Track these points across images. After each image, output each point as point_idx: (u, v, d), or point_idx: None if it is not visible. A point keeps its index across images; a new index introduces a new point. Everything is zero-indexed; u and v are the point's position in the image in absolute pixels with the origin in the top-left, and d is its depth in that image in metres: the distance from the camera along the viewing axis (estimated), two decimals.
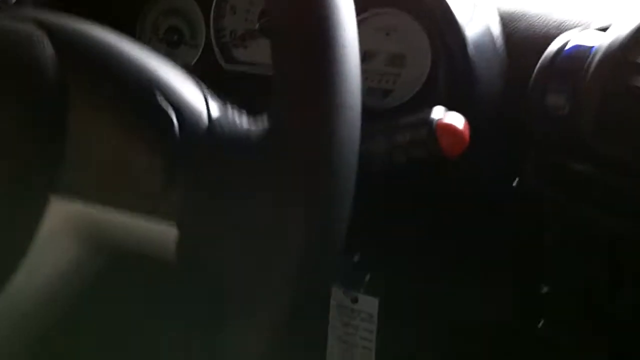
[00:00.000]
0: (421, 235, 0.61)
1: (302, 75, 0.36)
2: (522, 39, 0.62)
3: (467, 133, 0.49)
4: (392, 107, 0.63)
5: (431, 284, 0.64)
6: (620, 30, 0.53)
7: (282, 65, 0.37)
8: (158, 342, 0.57)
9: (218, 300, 0.37)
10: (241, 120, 0.40)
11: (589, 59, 0.54)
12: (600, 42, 0.54)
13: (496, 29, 0.62)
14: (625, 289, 0.53)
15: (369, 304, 0.66)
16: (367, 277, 0.66)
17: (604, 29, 0.55)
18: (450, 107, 0.53)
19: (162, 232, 0.38)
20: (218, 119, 0.39)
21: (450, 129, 0.48)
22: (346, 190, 0.37)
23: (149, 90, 0.38)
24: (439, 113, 0.49)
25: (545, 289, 0.57)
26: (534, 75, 0.56)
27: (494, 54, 0.62)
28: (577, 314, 0.56)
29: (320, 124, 0.36)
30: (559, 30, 0.60)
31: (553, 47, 0.57)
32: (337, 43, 0.37)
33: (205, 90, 0.41)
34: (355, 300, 0.67)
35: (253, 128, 0.38)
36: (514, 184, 0.58)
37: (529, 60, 0.57)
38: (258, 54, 0.70)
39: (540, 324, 0.59)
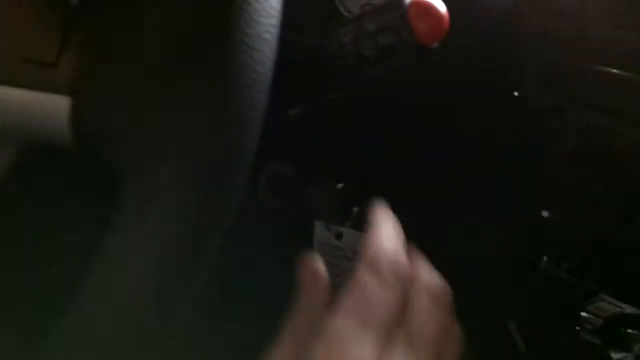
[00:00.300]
0: (411, 157, 0.53)
1: None
2: None
3: (446, 15, 0.41)
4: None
5: (425, 215, 0.57)
6: None
7: None
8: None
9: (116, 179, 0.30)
10: None
11: None
12: None
13: None
14: (634, 212, 0.45)
15: (355, 240, 0.58)
16: (355, 210, 0.59)
17: None
18: None
19: (54, 105, 0.31)
20: None
21: (425, 9, 0.41)
22: (266, 15, 0.31)
23: None
24: None
25: (546, 214, 0.49)
26: None
27: None
28: (580, 244, 0.48)
29: None
30: None
31: None
32: None
33: None
34: (339, 236, 0.59)
35: None
36: (515, 94, 0.50)
37: None
38: None
39: (544, 260, 0.51)
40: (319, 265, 0.45)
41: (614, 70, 0.43)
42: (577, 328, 0.50)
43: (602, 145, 0.45)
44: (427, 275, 0.42)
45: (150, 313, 0.30)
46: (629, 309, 0.47)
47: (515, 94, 0.50)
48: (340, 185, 0.56)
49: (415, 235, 0.57)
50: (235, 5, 0.29)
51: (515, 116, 0.50)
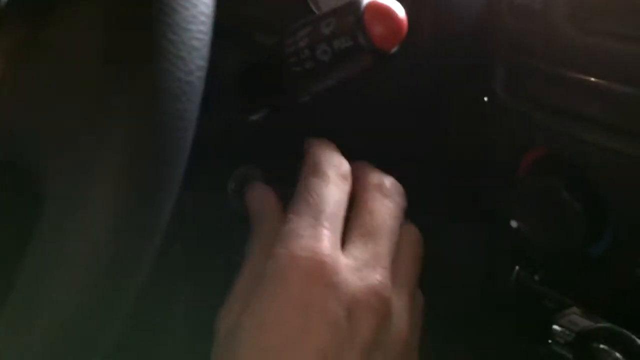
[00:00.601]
0: (376, 159, 0.51)
1: None
2: None
3: (404, 19, 0.39)
4: None
5: None
6: None
7: None
8: None
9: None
10: None
11: None
12: None
13: None
14: (609, 223, 0.43)
15: None
16: None
17: None
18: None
19: None
20: None
21: (381, 13, 0.39)
22: (194, 21, 0.29)
23: None
24: None
25: (515, 224, 0.47)
26: None
27: None
28: (551, 252, 0.46)
29: None
30: None
31: None
32: None
33: None
34: None
35: None
36: (485, 99, 0.48)
37: None
38: None
39: (516, 270, 0.50)
40: (267, 189, 0.46)
41: (583, 77, 0.41)
42: (549, 341, 0.49)
43: (571, 152, 0.44)
44: (374, 173, 0.44)
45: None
46: (600, 323, 0.46)
47: (485, 99, 0.48)
48: None
49: None
50: (157, 10, 0.28)
51: (483, 121, 0.48)
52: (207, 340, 0.40)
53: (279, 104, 0.47)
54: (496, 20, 0.46)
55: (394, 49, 0.40)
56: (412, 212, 0.47)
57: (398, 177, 0.46)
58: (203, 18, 0.30)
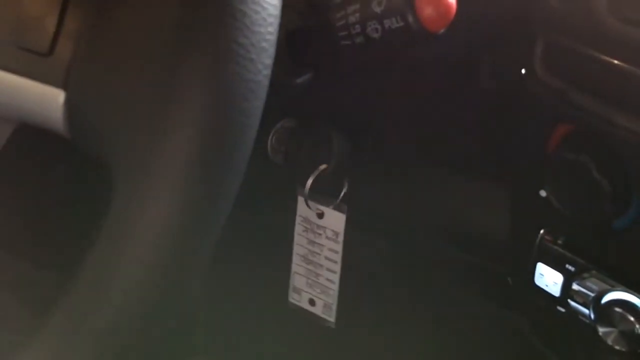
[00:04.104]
0: (407, 134, 0.54)
1: None
2: None
3: (453, 3, 0.41)
4: None
5: (421, 192, 0.58)
6: None
7: None
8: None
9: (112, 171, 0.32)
10: None
11: None
12: None
13: None
14: (635, 198, 0.46)
15: (336, 221, 0.59)
16: (344, 191, 0.59)
17: None
18: None
19: (49, 96, 0.32)
20: None
21: None
22: (263, 24, 0.31)
23: None
24: None
25: (544, 194, 0.50)
26: None
27: None
28: (577, 223, 0.49)
29: None
30: None
31: None
32: None
33: None
34: (321, 216, 0.61)
35: None
36: (522, 72, 0.50)
37: None
38: None
39: (541, 233, 0.53)
40: None
41: (618, 63, 0.43)
42: (568, 300, 0.52)
43: (601, 132, 0.46)
44: None
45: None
46: (618, 287, 0.49)
47: (523, 71, 0.50)
48: (323, 166, 0.56)
49: (420, 200, 0.59)
50: (228, 14, 0.30)
51: (520, 93, 0.50)
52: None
53: (325, 70, 0.49)
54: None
55: (442, 30, 0.42)
56: (444, 172, 0.49)
57: (435, 139, 0.48)
58: (271, 20, 0.32)
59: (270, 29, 0.32)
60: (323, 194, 0.58)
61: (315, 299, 0.63)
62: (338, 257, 0.60)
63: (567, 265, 0.51)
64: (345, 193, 0.58)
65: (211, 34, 0.30)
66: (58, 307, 0.32)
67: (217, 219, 0.32)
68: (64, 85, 0.32)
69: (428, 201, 0.57)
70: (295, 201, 0.61)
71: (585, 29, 0.44)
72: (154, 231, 0.30)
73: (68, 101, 0.32)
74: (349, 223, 0.58)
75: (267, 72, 0.32)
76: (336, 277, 0.60)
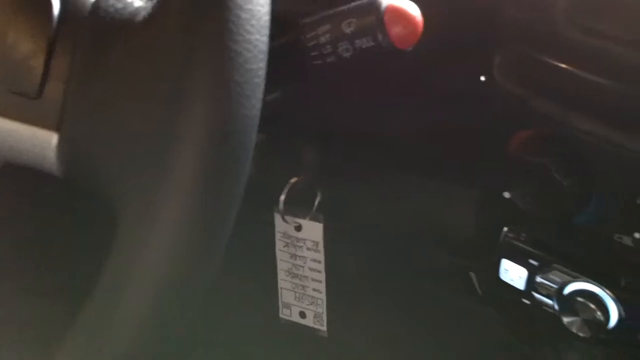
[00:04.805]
0: (376, 142, 0.56)
1: None
2: None
3: (420, 21, 0.43)
4: None
5: (391, 196, 0.60)
6: None
7: None
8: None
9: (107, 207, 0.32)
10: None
11: None
12: None
13: None
14: (593, 196, 0.49)
15: (314, 231, 0.61)
16: (318, 200, 0.61)
17: None
18: None
19: (41, 139, 0.33)
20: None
21: (400, 14, 0.43)
22: (253, 66, 0.32)
23: None
24: None
25: (507, 195, 0.52)
26: None
27: None
28: (539, 220, 0.52)
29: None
30: None
31: None
32: None
33: None
34: (299, 228, 0.62)
35: (143, 5, 0.32)
36: (482, 79, 0.53)
37: None
38: None
39: (504, 231, 0.56)
40: None
41: (577, 70, 0.46)
42: (533, 293, 0.55)
43: (561, 134, 0.49)
44: None
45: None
46: (579, 279, 0.52)
47: (482, 78, 0.53)
48: (294, 180, 0.58)
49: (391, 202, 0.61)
50: (224, 55, 0.31)
51: (481, 100, 0.53)
52: None
53: (295, 88, 0.50)
54: (500, 8, 0.49)
55: (410, 47, 0.44)
56: (414, 175, 0.51)
57: (400, 144, 0.50)
58: (262, 56, 0.33)
59: (262, 64, 0.33)
60: (298, 206, 0.60)
61: (305, 311, 0.64)
62: (321, 267, 0.61)
63: (530, 260, 0.54)
64: (319, 202, 0.59)
65: (209, 73, 0.30)
66: (64, 342, 0.32)
67: (218, 250, 0.33)
68: (56, 128, 0.32)
69: (399, 204, 0.59)
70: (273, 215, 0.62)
71: (545, 38, 0.47)
72: (160, 264, 0.31)
73: (61, 143, 0.32)
74: (327, 230, 0.60)
75: (260, 105, 0.33)
76: (322, 287, 0.62)
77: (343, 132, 0.56)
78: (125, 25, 0.32)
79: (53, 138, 0.32)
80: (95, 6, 0.33)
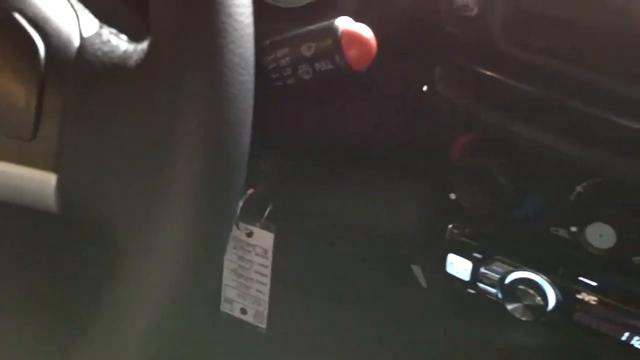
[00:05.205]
0: (326, 156, 0.59)
1: None
2: None
3: (374, 43, 0.46)
4: (301, 4, 0.59)
5: (341, 204, 0.63)
6: None
7: None
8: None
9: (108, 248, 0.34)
10: (118, 41, 0.35)
11: None
12: None
13: None
14: (530, 193, 0.54)
15: (265, 239, 0.64)
16: (268, 209, 0.63)
17: None
18: (361, 3, 0.50)
19: (40, 180, 0.33)
20: (91, 42, 0.34)
21: (356, 38, 0.45)
22: (245, 114, 0.34)
23: (6, 10, 0.33)
24: (344, 22, 0.46)
25: (453, 196, 0.57)
26: None
27: None
28: (483, 217, 0.57)
29: (210, 34, 0.32)
30: None
31: None
32: None
33: (76, 6, 0.36)
34: (250, 235, 0.64)
35: (131, 49, 0.34)
36: (424, 89, 0.56)
37: None
38: None
39: (450, 227, 0.60)
40: None
41: (513, 81, 0.50)
42: (477, 283, 0.60)
43: (499, 138, 0.53)
44: None
45: None
46: (519, 268, 0.57)
47: (424, 88, 0.57)
48: (250, 191, 0.60)
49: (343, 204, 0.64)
50: (219, 100, 0.32)
51: (425, 109, 0.57)
52: None
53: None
54: (437, 24, 0.53)
55: (365, 68, 0.47)
56: (365, 178, 0.55)
57: (350, 152, 0.54)
58: (251, 94, 0.35)
59: (251, 101, 0.35)
60: (251, 213, 0.62)
61: (246, 308, 0.67)
62: (268, 271, 0.64)
63: (474, 254, 0.59)
64: (270, 211, 0.62)
65: (204, 116, 0.32)
66: None
67: (216, 271, 0.35)
68: (54, 168, 0.33)
69: (350, 205, 0.62)
70: None
71: (481, 52, 0.51)
72: (164, 294, 0.33)
73: (60, 183, 0.33)
74: (278, 236, 0.62)
75: (249, 139, 0.35)
76: (266, 289, 0.64)
77: (296, 138, 0.59)
78: (117, 69, 0.33)
79: (52, 179, 0.33)
80: (81, 50, 0.34)
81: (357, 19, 0.53)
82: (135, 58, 0.33)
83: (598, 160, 0.49)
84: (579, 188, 0.51)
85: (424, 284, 0.69)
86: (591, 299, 0.54)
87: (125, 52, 0.34)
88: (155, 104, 0.32)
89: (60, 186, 0.33)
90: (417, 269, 0.70)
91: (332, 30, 0.45)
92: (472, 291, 0.61)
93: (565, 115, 0.50)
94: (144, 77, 0.33)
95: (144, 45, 0.33)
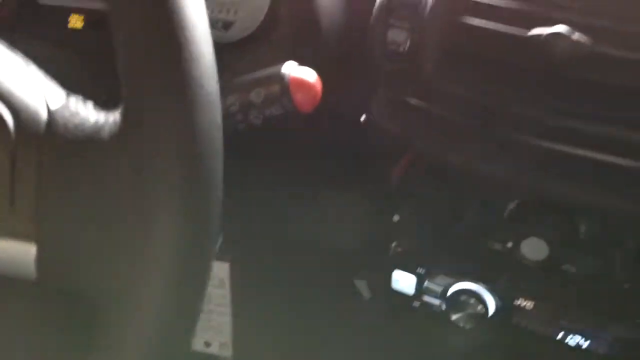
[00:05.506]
0: (271, 186, 0.61)
1: (157, 60, 0.34)
2: None
3: (319, 86, 0.48)
4: (236, 40, 0.61)
5: (285, 231, 0.66)
6: None
7: (130, 49, 0.34)
8: None
9: (88, 316, 0.35)
10: (87, 112, 0.36)
11: None
12: None
13: None
14: (467, 211, 0.58)
15: (220, 270, 0.65)
16: (220, 241, 0.65)
17: None
18: (296, 40, 0.52)
19: (19, 251, 0.34)
20: (60, 114, 0.35)
21: (303, 83, 0.48)
22: (216, 174, 0.36)
23: None
24: (290, 68, 0.48)
25: (396, 218, 0.60)
26: (374, 11, 0.57)
27: None
28: (426, 237, 0.61)
29: (185, 110, 0.34)
30: None
31: None
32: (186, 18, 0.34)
33: (41, 77, 0.37)
34: None
35: (102, 119, 0.35)
36: (361, 119, 0.60)
37: None
38: None
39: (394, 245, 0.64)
40: None
41: (444, 112, 0.54)
42: (422, 296, 0.64)
43: (435, 164, 0.57)
44: None
45: None
46: (460, 280, 0.61)
47: (362, 118, 0.60)
48: None
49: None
50: (191, 169, 0.34)
51: (367, 139, 0.60)
52: None
53: None
54: (373, 59, 0.56)
55: (312, 109, 0.50)
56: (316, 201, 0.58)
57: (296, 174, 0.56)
58: (221, 155, 0.36)
59: (222, 163, 0.36)
60: None
61: (210, 340, 0.68)
62: (227, 301, 0.65)
63: (418, 269, 0.63)
64: (221, 243, 0.64)
65: (176, 187, 0.34)
66: None
67: (194, 325, 0.37)
68: (34, 239, 0.34)
69: (303, 226, 0.65)
70: None
71: (414, 86, 0.55)
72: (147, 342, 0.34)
73: (40, 252, 0.34)
74: (234, 266, 0.64)
75: (222, 195, 0.37)
76: (228, 319, 0.66)
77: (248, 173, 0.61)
78: (89, 141, 0.34)
79: (32, 249, 0.34)
80: (50, 123, 0.35)
81: (293, 54, 0.55)
82: (107, 129, 0.34)
83: (523, 182, 0.53)
84: (511, 205, 0.56)
85: (367, 295, 0.73)
86: (527, 304, 0.59)
87: (96, 123, 0.35)
88: (131, 175, 0.34)
89: (40, 255, 0.34)
90: (361, 284, 0.73)
91: (279, 77, 0.48)
92: (417, 304, 0.65)
93: (493, 141, 0.54)
94: (118, 148, 0.34)
95: (115, 116, 0.35)
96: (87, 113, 0.36)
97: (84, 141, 0.35)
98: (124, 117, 0.34)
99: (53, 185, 0.34)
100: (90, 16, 0.65)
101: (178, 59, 0.33)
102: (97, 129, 0.35)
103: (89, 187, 0.34)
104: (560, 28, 0.48)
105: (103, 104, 0.37)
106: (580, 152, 0.49)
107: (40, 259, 0.34)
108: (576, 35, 0.48)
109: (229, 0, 0.61)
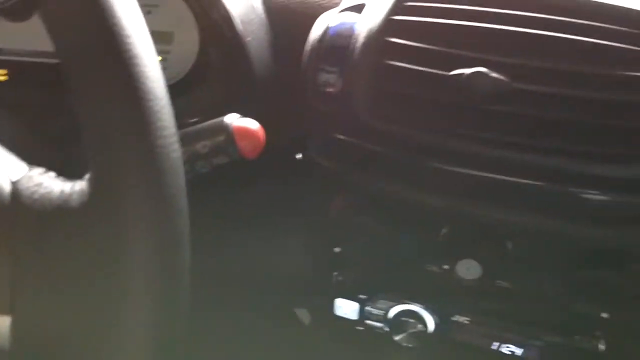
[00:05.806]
0: (217, 218, 0.63)
1: (122, 128, 0.35)
2: (290, 16, 0.64)
3: (262, 133, 0.51)
4: (167, 85, 0.62)
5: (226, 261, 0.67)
6: (375, 11, 0.58)
7: (96, 123, 0.35)
8: None
9: None
10: (50, 181, 0.37)
11: (353, 39, 0.58)
12: (360, 22, 0.58)
13: (259, 6, 0.63)
14: (403, 238, 0.62)
15: None
16: None
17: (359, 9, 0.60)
18: (228, 82, 0.54)
19: None
20: (23, 185, 0.36)
21: (246, 131, 0.50)
22: (185, 232, 0.38)
23: None
24: (232, 118, 0.50)
25: (337, 250, 0.63)
26: (305, 55, 0.59)
27: (261, 28, 0.64)
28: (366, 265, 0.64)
29: (154, 176, 0.35)
30: (322, 9, 0.63)
31: (319, 26, 0.60)
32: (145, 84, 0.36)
33: (5, 153, 0.38)
34: None
35: (68, 189, 0.36)
36: (298, 156, 0.62)
37: (302, 38, 0.60)
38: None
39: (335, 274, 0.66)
40: None
41: (380, 149, 0.57)
42: (365, 321, 0.67)
43: (373, 197, 0.61)
44: None
45: None
46: (401, 302, 0.65)
47: (299, 156, 0.62)
48: None
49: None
50: (158, 229, 0.36)
51: (306, 174, 0.63)
52: None
53: None
54: (307, 101, 0.59)
55: (257, 155, 0.52)
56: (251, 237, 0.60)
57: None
58: (186, 213, 0.38)
59: (188, 222, 0.38)
60: None
61: None
62: None
63: (359, 295, 0.66)
64: None
65: (145, 247, 0.35)
66: None
67: None
68: (8, 311, 0.34)
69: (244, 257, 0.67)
70: None
71: (347, 125, 0.58)
72: None
73: (15, 324, 0.34)
74: None
75: (189, 253, 0.38)
76: None
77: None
78: (58, 211, 0.35)
79: (6, 321, 0.34)
80: (15, 194, 0.35)
81: (227, 97, 0.57)
82: (75, 198, 0.35)
83: (456, 208, 0.57)
84: (445, 230, 0.60)
85: (307, 322, 0.75)
86: (464, 319, 0.63)
87: (62, 192, 0.36)
88: (103, 242, 0.35)
89: (15, 327, 0.35)
90: (301, 312, 0.76)
91: (223, 127, 0.49)
92: (360, 328, 0.68)
93: (425, 172, 0.57)
94: (89, 217, 0.35)
95: (82, 185, 0.36)
96: (51, 183, 0.37)
97: (53, 211, 0.35)
98: (94, 186, 0.36)
99: (27, 257, 0.35)
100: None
101: (143, 131, 0.35)
102: (64, 199, 0.36)
103: (62, 256, 0.35)
104: (480, 67, 0.52)
105: (61, 172, 0.38)
106: (507, 178, 0.53)
107: (14, 330, 0.35)
108: (495, 73, 0.52)
109: (158, 48, 0.62)
